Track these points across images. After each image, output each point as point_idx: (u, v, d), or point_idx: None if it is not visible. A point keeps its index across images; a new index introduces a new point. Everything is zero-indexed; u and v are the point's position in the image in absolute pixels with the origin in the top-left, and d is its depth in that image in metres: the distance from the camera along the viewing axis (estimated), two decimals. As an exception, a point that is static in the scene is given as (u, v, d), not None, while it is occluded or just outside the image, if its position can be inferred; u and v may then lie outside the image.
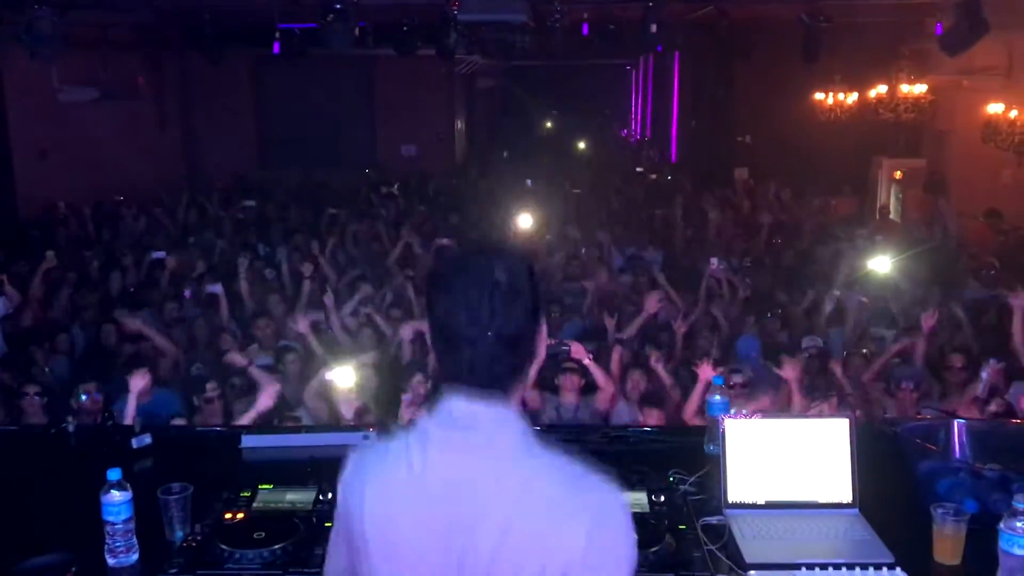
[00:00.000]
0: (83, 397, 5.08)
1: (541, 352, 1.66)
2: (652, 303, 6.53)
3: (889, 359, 5.94)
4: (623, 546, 1.56)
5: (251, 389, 5.36)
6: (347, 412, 4.80)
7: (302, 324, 6.27)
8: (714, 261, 8.02)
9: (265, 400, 4.68)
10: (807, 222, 11.31)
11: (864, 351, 6.26)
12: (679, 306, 7.37)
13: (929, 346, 5.94)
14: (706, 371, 4.94)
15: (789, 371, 5.13)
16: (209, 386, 5.36)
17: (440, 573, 1.57)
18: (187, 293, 7.54)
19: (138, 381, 4.71)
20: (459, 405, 1.60)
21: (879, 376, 5.81)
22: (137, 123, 14.55)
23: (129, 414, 4.44)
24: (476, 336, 1.56)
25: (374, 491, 1.63)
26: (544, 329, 1.66)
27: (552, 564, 1.52)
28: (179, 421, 4.94)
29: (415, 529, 1.58)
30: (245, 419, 4.63)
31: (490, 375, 1.59)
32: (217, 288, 7.27)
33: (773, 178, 13.27)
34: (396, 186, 13.78)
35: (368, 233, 10.15)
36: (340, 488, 1.72)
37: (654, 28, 8.44)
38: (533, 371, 1.67)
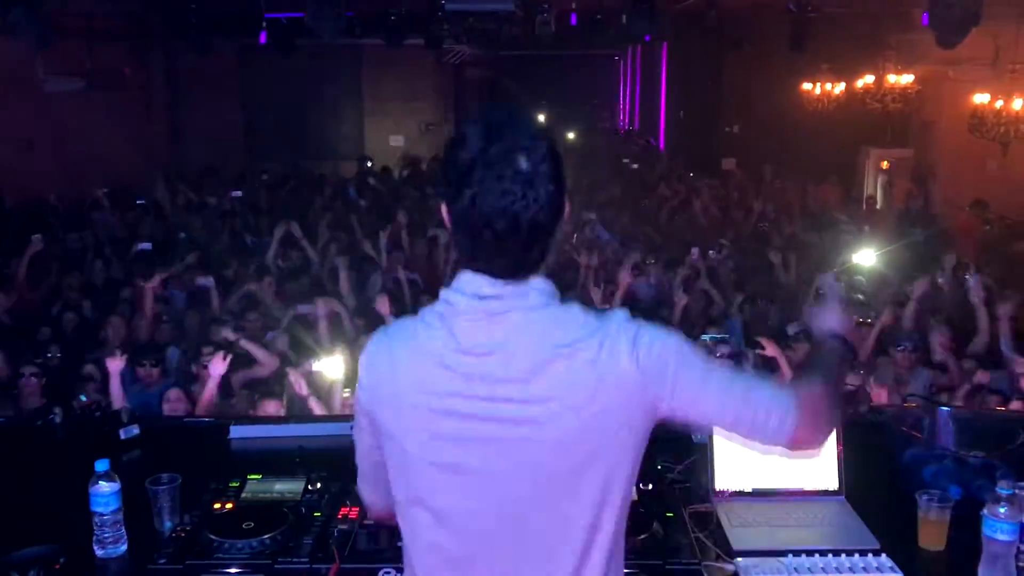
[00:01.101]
0: (82, 397, 5.05)
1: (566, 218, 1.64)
2: (626, 274, 6.52)
3: (881, 329, 5.93)
4: (665, 338, 1.62)
5: (249, 361, 5.39)
6: (317, 408, 4.77)
7: (321, 309, 6.27)
8: (695, 251, 8.07)
9: (264, 370, 4.68)
10: (794, 208, 11.35)
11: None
12: (664, 281, 7.42)
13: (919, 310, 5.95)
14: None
15: (772, 349, 5.17)
16: (205, 351, 5.35)
17: (485, 436, 1.58)
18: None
19: (115, 363, 4.69)
20: (483, 282, 1.60)
21: (875, 348, 5.83)
22: (123, 113, 14.44)
23: (115, 396, 4.43)
24: (507, 228, 1.54)
25: (405, 360, 1.63)
26: (568, 209, 1.63)
27: (609, 400, 1.56)
28: (175, 392, 4.93)
29: (454, 393, 1.58)
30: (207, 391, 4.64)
31: (515, 262, 1.59)
32: (208, 281, 7.24)
33: (764, 166, 13.30)
34: (379, 167, 13.61)
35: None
36: (365, 364, 1.70)
37: (624, 19, 8.42)
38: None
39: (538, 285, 1.62)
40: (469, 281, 1.61)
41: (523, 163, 1.53)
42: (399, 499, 1.69)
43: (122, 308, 7.02)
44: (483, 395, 1.57)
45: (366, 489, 1.86)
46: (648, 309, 6.84)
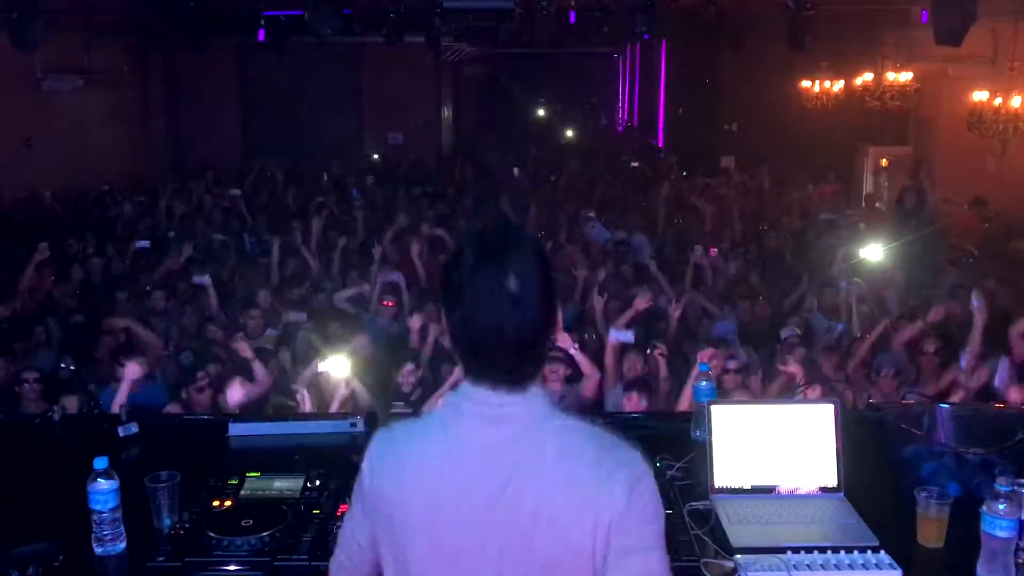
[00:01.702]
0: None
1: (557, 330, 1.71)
2: (641, 301, 6.49)
3: (871, 345, 5.93)
4: (656, 501, 1.63)
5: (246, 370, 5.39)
6: (335, 405, 4.79)
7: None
8: (698, 249, 8.05)
9: (234, 396, 4.61)
10: (792, 208, 11.35)
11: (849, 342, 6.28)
12: (669, 295, 7.38)
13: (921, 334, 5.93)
14: (706, 356, 4.86)
15: (793, 367, 5.12)
16: (200, 375, 5.34)
17: (484, 541, 1.60)
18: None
19: (134, 369, 4.66)
20: (485, 392, 1.63)
21: (863, 363, 5.82)
22: (121, 111, 14.46)
23: (118, 402, 4.42)
24: (496, 346, 1.59)
25: (412, 465, 1.66)
26: (560, 316, 1.70)
27: (598, 521, 1.56)
28: (173, 407, 4.93)
29: (457, 498, 1.61)
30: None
31: (508, 374, 1.62)
32: (204, 279, 7.24)
33: (762, 165, 13.29)
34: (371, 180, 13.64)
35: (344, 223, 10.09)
36: (368, 466, 1.72)
37: (623, 17, 8.41)
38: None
39: (540, 400, 1.65)
40: (472, 391, 1.65)
41: (511, 285, 1.58)
42: None
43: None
44: (483, 506, 1.60)
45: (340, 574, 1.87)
46: (652, 317, 6.78)
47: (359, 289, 7.33)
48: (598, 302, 6.72)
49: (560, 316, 1.71)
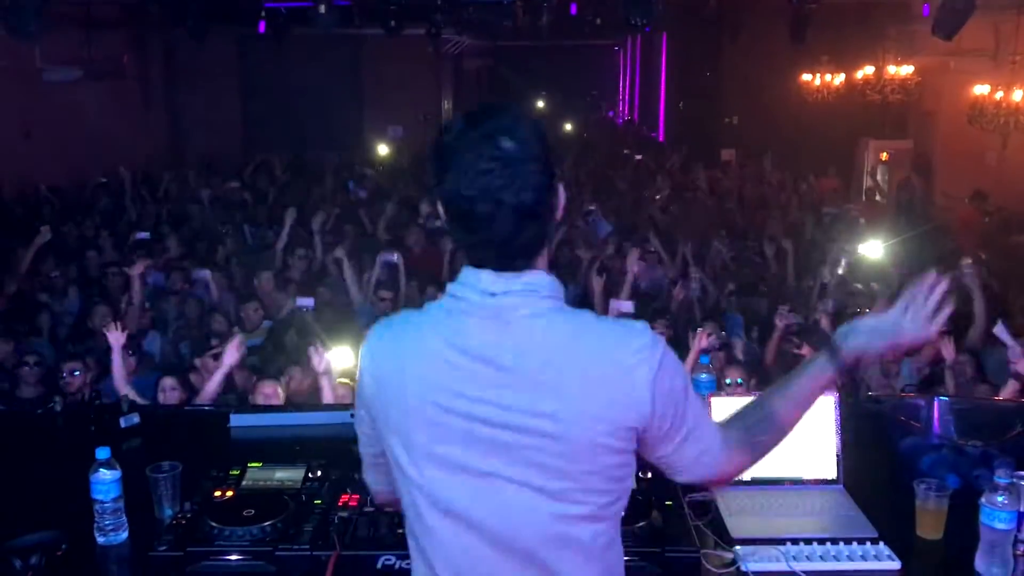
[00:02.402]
0: (64, 375, 5.05)
1: (560, 214, 1.63)
2: (633, 260, 6.47)
3: None
4: (676, 375, 1.60)
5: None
6: (329, 395, 4.76)
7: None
8: (715, 242, 8.22)
9: (230, 355, 4.60)
10: (793, 199, 11.35)
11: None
12: (668, 265, 7.42)
13: None
14: (703, 340, 4.84)
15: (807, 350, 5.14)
16: (215, 343, 5.38)
17: (493, 434, 1.55)
18: None
19: (117, 337, 4.63)
20: (487, 277, 1.57)
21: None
22: (121, 102, 14.42)
23: (117, 376, 4.42)
24: (491, 211, 1.51)
25: (412, 356, 1.60)
26: (561, 189, 1.62)
27: (621, 418, 1.55)
28: (169, 381, 4.93)
29: (462, 390, 1.56)
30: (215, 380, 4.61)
31: (512, 249, 1.55)
32: (204, 274, 7.23)
33: (764, 156, 13.30)
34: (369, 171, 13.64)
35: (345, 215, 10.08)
36: (368, 358, 1.66)
37: (624, 9, 8.39)
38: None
39: (546, 284, 1.59)
40: (473, 276, 1.59)
41: (503, 143, 1.50)
42: (403, 492, 1.67)
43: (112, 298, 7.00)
44: (491, 399, 1.55)
45: (370, 478, 1.85)
46: (647, 300, 6.80)
47: (366, 275, 7.31)
48: (596, 283, 6.73)
49: (564, 192, 1.63)
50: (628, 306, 5.75)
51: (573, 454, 1.54)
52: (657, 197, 11.04)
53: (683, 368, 1.65)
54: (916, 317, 1.77)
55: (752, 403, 1.81)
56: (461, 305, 1.59)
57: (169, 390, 4.95)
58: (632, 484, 1.67)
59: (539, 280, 1.58)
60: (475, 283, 1.58)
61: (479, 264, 1.58)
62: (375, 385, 1.66)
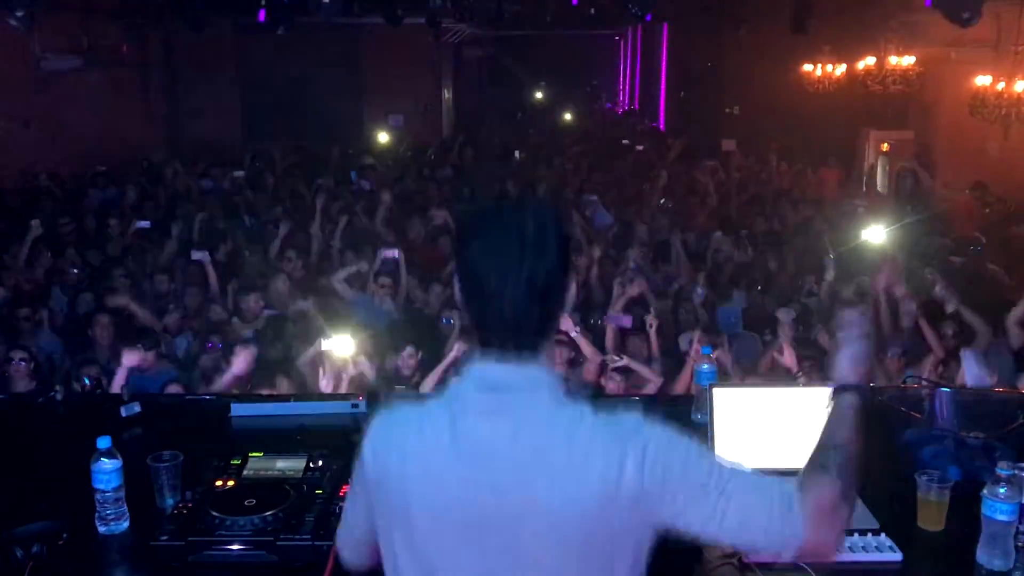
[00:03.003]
0: (87, 380, 5.04)
1: (568, 302, 1.67)
2: (635, 288, 6.48)
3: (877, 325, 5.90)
4: (670, 455, 1.56)
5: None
6: (327, 385, 4.77)
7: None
8: (716, 235, 8.26)
9: (239, 364, 4.66)
10: (795, 192, 11.34)
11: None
12: (681, 277, 7.44)
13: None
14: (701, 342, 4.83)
15: (788, 359, 5.15)
16: (214, 339, 5.41)
17: (492, 532, 1.57)
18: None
19: (131, 358, 4.64)
20: (491, 368, 1.60)
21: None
22: (121, 91, 14.39)
23: (116, 387, 4.42)
24: (507, 286, 1.55)
25: (414, 454, 1.62)
26: (573, 282, 1.67)
27: (615, 507, 1.54)
28: (174, 387, 4.94)
29: (463, 490, 1.58)
30: (220, 384, 4.66)
31: (521, 327, 1.58)
32: (203, 256, 7.22)
33: (767, 148, 13.27)
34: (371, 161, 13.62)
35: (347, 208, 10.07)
36: (368, 451, 1.69)
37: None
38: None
39: (547, 378, 1.61)
40: (476, 369, 1.62)
41: (525, 225, 1.56)
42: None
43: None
44: (488, 487, 1.57)
45: (346, 551, 1.88)
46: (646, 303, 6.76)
47: (357, 267, 7.29)
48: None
49: (573, 277, 1.68)
50: (625, 320, 5.77)
51: (570, 540, 1.55)
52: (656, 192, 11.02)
53: (681, 440, 1.60)
54: (843, 359, 1.81)
55: (809, 463, 1.74)
56: (462, 404, 1.62)
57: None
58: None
59: (541, 376, 1.61)
60: (476, 376, 1.62)
61: (487, 344, 1.61)
62: (377, 478, 1.68)
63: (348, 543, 1.86)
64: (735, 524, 1.57)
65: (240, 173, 11.58)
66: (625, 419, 1.60)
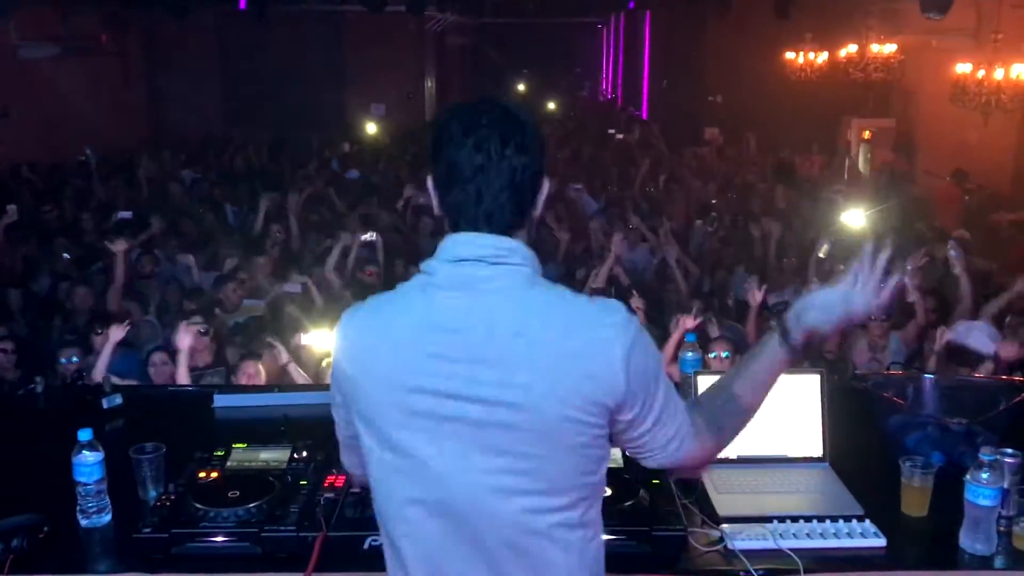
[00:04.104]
0: (63, 361, 5.01)
1: (540, 208, 1.66)
2: (618, 243, 6.47)
3: None
4: (649, 358, 1.60)
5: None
6: (298, 377, 4.74)
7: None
8: (698, 224, 8.27)
9: (183, 340, 4.57)
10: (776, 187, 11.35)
11: None
12: (652, 243, 7.44)
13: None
14: (688, 322, 4.84)
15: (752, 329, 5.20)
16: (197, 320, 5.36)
17: (462, 412, 1.55)
18: None
19: (117, 333, 4.59)
20: (461, 239, 1.59)
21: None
22: (100, 80, 14.25)
23: (99, 370, 4.39)
24: (486, 175, 1.56)
25: (385, 340, 1.60)
26: (545, 189, 1.66)
27: (593, 398, 1.54)
28: (159, 355, 4.91)
29: (435, 371, 1.55)
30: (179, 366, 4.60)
31: (496, 215, 1.58)
32: (188, 260, 7.16)
33: (748, 135, 13.31)
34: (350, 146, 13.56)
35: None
36: (341, 340, 1.67)
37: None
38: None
39: (519, 251, 1.59)
40: (448, 242, 1.61)
41: (508, 123, 1.58)
42: (372, 475, 1.67)
43: (96, 279, 6.93)
44: (462, 374, 1.54)
45: (347, 460, 1.85)
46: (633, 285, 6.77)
47: (340, 245, 7.21)
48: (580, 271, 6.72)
49: (547, 182, 1.67)
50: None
51: (544, 432, 1.54)
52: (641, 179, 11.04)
53: (656, 350, 1.66)
54: (865, 286, 1.79)
55: (714, 388, 1.83)
56: (432, 279, 1.60)
57: (160, 364, 4.95)
58: (604, 488, 1.67)
59: (513, 246, 1.59)
60: (448, 249, 1.60)
61: (459, 226, 1.60)
62: (347, 369, 1.66)
63: (348, 456, 1.83)
64: (657, 443, 1.66)
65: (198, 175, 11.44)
66: (611, 307, 1.60)
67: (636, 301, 5.57)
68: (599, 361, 1.54)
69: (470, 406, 1.54)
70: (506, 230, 1.59)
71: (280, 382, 4.65)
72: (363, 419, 1.65)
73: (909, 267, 5.81)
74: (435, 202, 1.64)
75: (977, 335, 4.66)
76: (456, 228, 1.61)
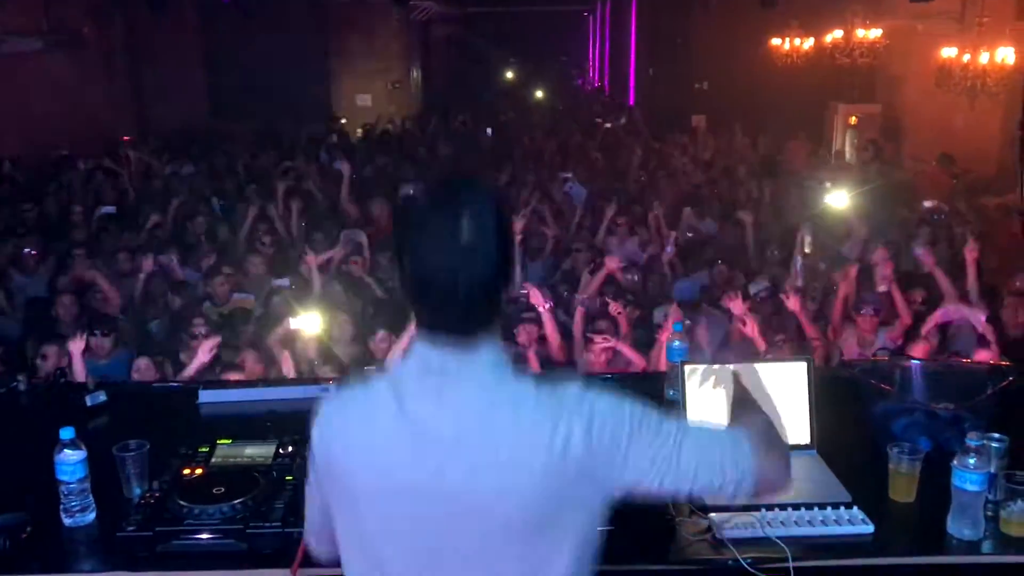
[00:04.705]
0: (39, 362, 4.98)
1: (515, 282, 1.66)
2: (611, 263, 6.46)
3: (851, 290, 5.94)
4: (616, 423, 1.57)
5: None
6: (290, 369, 4.74)
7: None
8: (687, 211, 8.32)
9: (203, 355, 4.62)
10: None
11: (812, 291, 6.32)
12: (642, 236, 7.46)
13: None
14: (676, 315, 4.82)
15: (737, 306, 5.18)
16: (197, 321, 5.35)
17: (437, 518, 1.57)
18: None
19: (78, 345, 4.60)
20: (433, 352, 1.58)
21: (844, 308, 5.85)
22: (83, 75, 14.10)
23: (78, 374, 4.36)
24: (447, 292, 1.53)
25: (358, 440, 1.62)
26: (517, 268, 1.65)
27: (562, 473, 1.54)
28: (144, 361, 4.91)
29: (407, 475, 1.57)
30: (188, 370, 4.64)
31: (464, 324, 1.57)
32: (170, 260, 7.12)
33: (736, 125, 13.30)
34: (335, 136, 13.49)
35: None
36: (317, 436, 1.69)
37: None
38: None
39: (489, 358, 1.59)
40: (419, 348, 1.61)
41: (465, 231, 1.52)
42: (351, 568, 1.71)
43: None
44: (432, 470, 1.56)
45: (313, 540, 1.87)
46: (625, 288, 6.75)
47: (329, 254, 7.20)
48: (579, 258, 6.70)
49: (526, 273, 1.66)
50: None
51: (516, 521, 1.55)
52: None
53: (625, 402, 1.61)
54: None
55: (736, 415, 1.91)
56: (404, 387, 1.61)
57: (144, 370, 4.93)
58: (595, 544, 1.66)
59: (481, 356, 1.59)
60: (420, 359, 1.60)
61: (431, 327, 1.59)
62: (325, 463, 1.69)
63: (313, 532, 1.85)
64: (691, 467, 1.61)
65: (190, 169, 11.35)
66: (568, 389, 1.60)
67: (615, 308, 5.54)
68: (561, 448, 1.53)
69: (443, 502, 1.56)
70: (475, 332, 1.58)
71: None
72: (344, 514, 1.68)
73: (879, 261, 5.85)
74: (400, 280, 1.64)
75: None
76: (422, 323, 1.61)
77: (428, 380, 1.58)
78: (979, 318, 4.99)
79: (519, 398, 1.58)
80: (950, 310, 5.24)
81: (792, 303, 5.33)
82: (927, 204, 8.52)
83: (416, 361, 1.61)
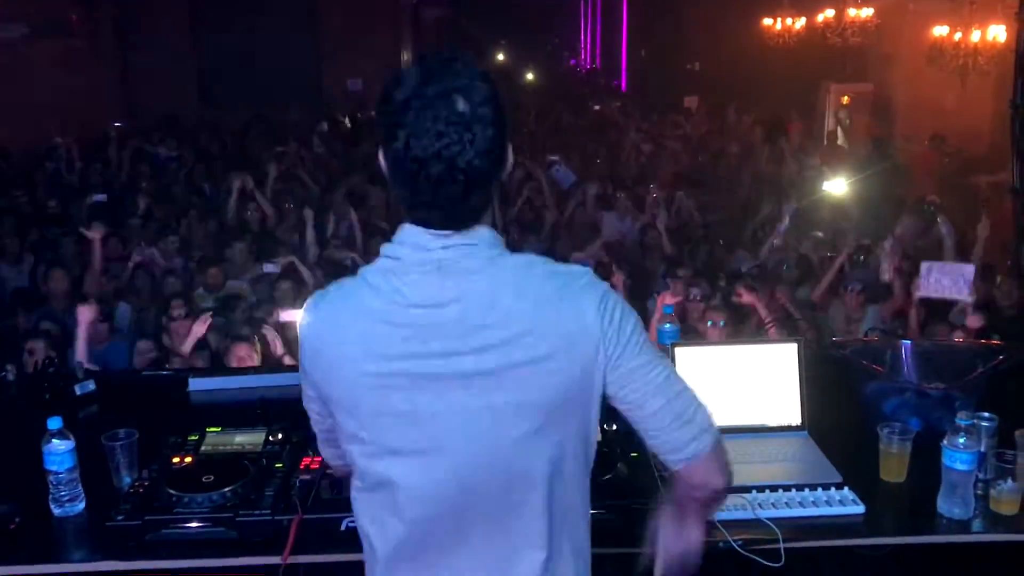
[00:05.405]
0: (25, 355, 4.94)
1: (508, 168, 1.58)
2: (607, 224, 6.44)
3: (835, 274, 5.96)
4: (627, 313, 1.58)
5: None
6: (279, 352, 4.74)
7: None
8: (679, 195, 8.29)
9: (198, 328, 4.63)
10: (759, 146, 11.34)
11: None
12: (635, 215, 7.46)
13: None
14: (667, 299, 4.80)
15: (748, 297, 5.15)
16: (175, 303, 5.33)
17: (442, 389, 1.53)
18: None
19: (85, 312, 4.48)
20: (426, 237, 1.54)
21: (831, 287, 5.86)
22: (71, 61, 13.99)
23: (79, 350, 4.33)
24: (436, 171, 1.45)
25: (353, 326, 1.55)
26: (510, 152, 1.57)
27: (573, 362, 1.53)
28: (145, 344, 4.91)
29: (404, 359, 1.52)
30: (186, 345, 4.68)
31: (454, 212, 1.52)
32: (151, 251, 7.07)
33: (729, 105, 13.28)
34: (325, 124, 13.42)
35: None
36: (307, 335, 1.61)
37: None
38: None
39: (488, 238, 1.55)
40: (411, 235, 1.55)
41: (461, 104, 1.45)
42: (355, 465, 1.64)
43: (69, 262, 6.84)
44: (438, 351, 1.51)
45: (327, 453, 1.83)
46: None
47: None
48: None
49: (512, 156, 1.60)
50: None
51: (526, 382, 1.52)
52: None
53: (631, 310, 1.61)
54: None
55: None
56: (398, 264, 1.55)
57: (146, 353, 4.93)
58: (596, 438, 1.65)
59: (478, 234, 1.55)
60: (413, 241, 1.54)
61: (421, 223, 1.54)
62: (316, 361, 1.62)
63: (325, 445, 1.81)
64: (661, 402, 1.60)
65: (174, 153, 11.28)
66: (574, 268, 1.60)
67: (617, 277, 5.53)
68: (573, 318, 1.53)
69: (449, 383, 1.52)
70: (473, 222, 1.55)
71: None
72: (339, 407, 1.61)
73: (887, 248, 5.82)
74: (391, 184, 1.56)
75: (941, 278, 4.62)
76: (413, 217, 1.55)
77: (427, 265, 1.52)
78: (967, 272, 4.82)
79: (525, 276, 1.55)
80: (935, 267, 5.13)
81: (746, 298, 5.25)
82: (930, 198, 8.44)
83: (410, 249, 1.54)
